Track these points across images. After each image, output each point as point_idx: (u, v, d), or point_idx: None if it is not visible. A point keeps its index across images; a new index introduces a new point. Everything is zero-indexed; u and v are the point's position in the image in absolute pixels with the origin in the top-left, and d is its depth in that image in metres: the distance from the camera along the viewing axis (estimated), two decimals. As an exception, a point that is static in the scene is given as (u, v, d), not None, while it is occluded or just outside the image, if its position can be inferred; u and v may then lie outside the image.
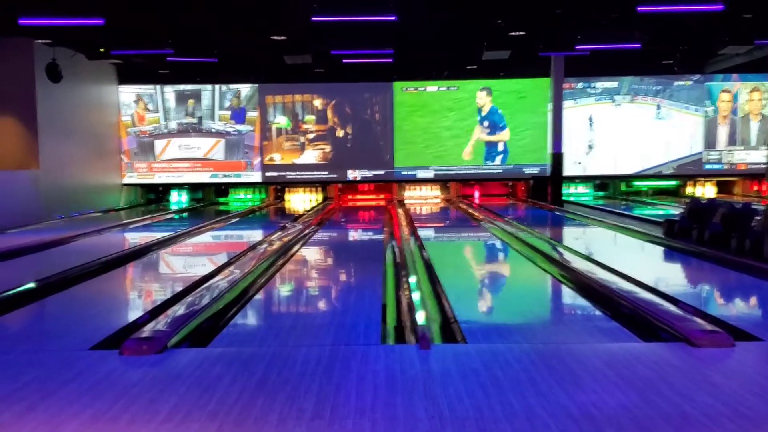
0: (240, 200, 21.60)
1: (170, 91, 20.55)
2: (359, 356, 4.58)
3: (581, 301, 7.08)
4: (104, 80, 19.43)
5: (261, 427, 3.40)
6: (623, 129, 20.70)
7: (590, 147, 20.69)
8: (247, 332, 6.16)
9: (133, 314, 6.81)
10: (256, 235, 13.68)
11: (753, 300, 7.41)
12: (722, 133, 20.85)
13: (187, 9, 12.86)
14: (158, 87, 20.48)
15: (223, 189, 21.72)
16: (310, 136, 20.73)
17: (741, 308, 7.07)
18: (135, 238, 12.73)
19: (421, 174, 20.86)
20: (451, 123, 20.62)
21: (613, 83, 20.66)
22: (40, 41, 15.18)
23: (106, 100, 19.70)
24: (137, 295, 8.23)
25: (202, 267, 9.66)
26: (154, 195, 21.57)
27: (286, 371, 4.26)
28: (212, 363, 4.44)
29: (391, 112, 20.59)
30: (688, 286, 8.41)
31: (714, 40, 16.70)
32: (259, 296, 7.45)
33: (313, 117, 20.69)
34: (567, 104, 19.73)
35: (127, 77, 20.11)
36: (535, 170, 20.46)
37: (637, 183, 21.60)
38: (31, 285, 7.51)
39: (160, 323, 5.36)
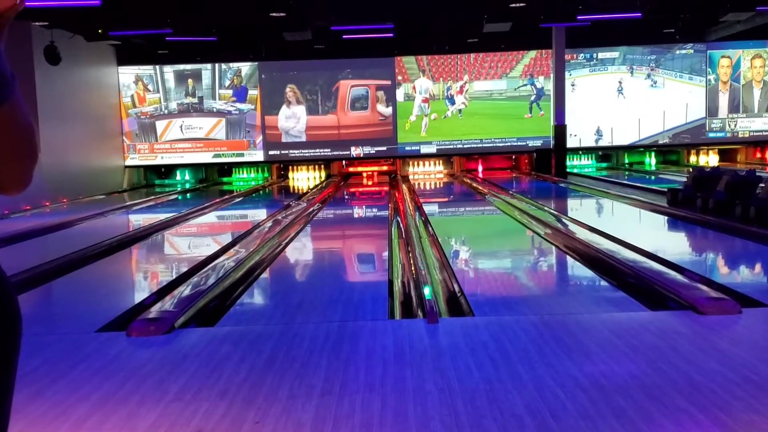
0: (243, 179, 21.58)
1: (170, 71, 20.45)
2: (367, 332, 4.58)
3: (587, 272, 7.08)
4: (103, 62, 19.34)
5: (271, 404, 3.40)
6: (624, 99, 20.69)
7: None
8: (254, 311, 6.17)
9: (140, 296, 6.82)
10: (260, 214, 13.68)
11: (758, 267, 7.42)
12: (723, 101, 20.75)
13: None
14: (158, 67, 20.38)
15: (226, 168, 21.67)
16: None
17: (747, 275, 7.07)
18: (139, 220, 12.74)
19: (425, 149, 20.80)
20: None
21: (613, 54, 20.57)
22: (37, 23, 15.09)
23: (106, 81, 19.62)
24: (143, 277, 8.25)
25: (207, 247, 9.67)
26: (157, 176, 21.54)
27: (294, 348, 4.26)
28: (220, 342, 4.44)
29: (394, 86, 20.51)
30: (693, 254, 8.41)
31: (715, 8, 16.58)
32: (265, 275, 7.46)
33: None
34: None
35: (126, 58, 20.00)
36: (538, 143, 20.39)
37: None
38: (37, 269, 7.50)
39: (167, 304, 5.37)
